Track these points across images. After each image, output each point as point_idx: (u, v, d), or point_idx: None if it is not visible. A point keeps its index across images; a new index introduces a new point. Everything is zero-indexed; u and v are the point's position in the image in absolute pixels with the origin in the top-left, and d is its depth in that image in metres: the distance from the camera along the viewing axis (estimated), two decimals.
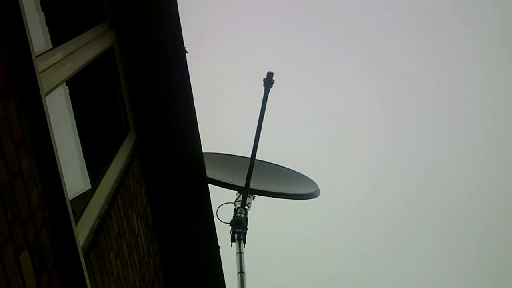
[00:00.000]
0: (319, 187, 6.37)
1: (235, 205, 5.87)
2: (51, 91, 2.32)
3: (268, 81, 5.84)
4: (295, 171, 6.74)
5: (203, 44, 11.47)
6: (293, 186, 6.29)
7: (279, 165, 6.80)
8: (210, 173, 5.55)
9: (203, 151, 4.13)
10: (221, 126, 11.58)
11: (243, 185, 5.85)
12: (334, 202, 11.42)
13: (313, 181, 6.52)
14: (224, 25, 12.27)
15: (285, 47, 12.47)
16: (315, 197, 6.19)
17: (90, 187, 2.92)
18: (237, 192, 5.96)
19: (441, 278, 12.48)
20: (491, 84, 12.61)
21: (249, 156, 5.88)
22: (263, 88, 5.84)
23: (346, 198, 12.45)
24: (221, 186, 5.77)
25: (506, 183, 12.38)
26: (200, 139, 4.05)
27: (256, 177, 5.93)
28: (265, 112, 5.85)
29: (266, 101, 5.85)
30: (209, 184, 4.38)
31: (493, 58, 12.31)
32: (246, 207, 5.88)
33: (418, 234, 12.74)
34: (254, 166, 5.83)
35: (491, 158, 12.85)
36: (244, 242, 5.65)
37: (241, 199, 5.86)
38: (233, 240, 5.63)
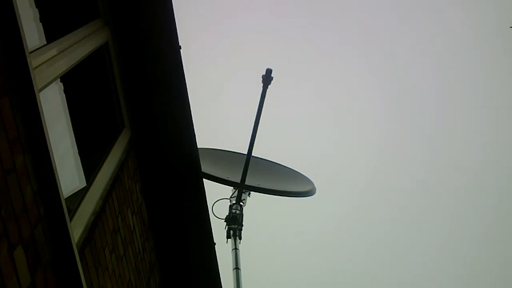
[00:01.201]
0: (315, 185, 6.38)
1: (230, 201, 5.88)
2: (45, 87, 2.32)
3: (267, 78, 5.82)
4: (291, 169, 6.74)
5: (202, 40, 11.46)
6: (289, 184, 6.30)
7: (275, 163, 6.81)
8: (206, 168, 5.55)
9: (200, 147, 4.13)
10: (219, 122, 11.60)
11: (239, 181, 5.85)
12: (331, 199, 11.45)
13: (309, 179, 6.53)
14: (222, 21, 12.26)
15: (284, 43, 12.46)
16: (311, 195, 6.19)
17: (85, 183, 2.92)
18: (232, 188, 5.97)
19: (440, 277, 12.52)
20: (492, 82, 12.64)
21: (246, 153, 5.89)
22: (262, 84, 5.84)
23: (344, 196, 12.48)
24: (217, 182, 5.77)
25: (507, 182, 12.42)
26: (195, 135, 4.05)
27: (252, 174, 5.93)
28: (263, 109, 5.85)
29: (264, 98, 5.85)
30: (205, 180, 4.37)
31: (494, 55, 12.32)
32: (241, 203, 5.89)
33: (417, 234, 12.77)
34: (250, 163, 5.83)
35: (491, 158, 12.89)
36: (240, 239, 5.65)
37: (236, 195, 5.86)
38: (228, 237, 5.63)
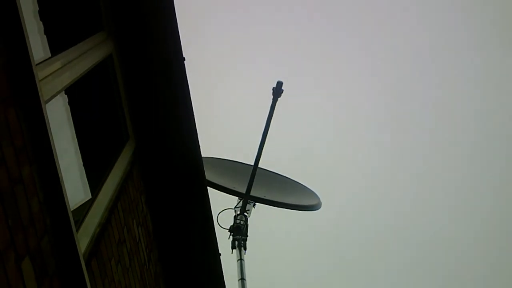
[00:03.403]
0: (321, 198, 6.37)
1: (235, 211, 5.88)
2: (51, 99, 2.33)
3: (277, 91, 5.83)
4: (297, 182, 6.74)
5: (207, 47, 11.49)
6: (294, 197, 6.29)
7: (281, 175, 6.81)
8: (212, 177, 5.57)
9: (209, 156, 4.13)
10: (227, 131, 11.62)
11: (244, 191, 5.86)
12: (336, 210, 11.40)
13: (315, 194, 6.52)
14: (227, 24, 12.26)
15: (292, 49, 12.45)
16: (316, 210, 6.19)
17: (90, 195, 2.93)
18: (238, 198, 5.97)
19: (442, 277, 12.46)
20: (493, 85, 12.64)
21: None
22: (272, 96, 5.84)
23: (349, 206, 12.44)
24: (223, 191, 5.79)
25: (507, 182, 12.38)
26: (199, 146, 4.06)
27: (258, 185, 5.94)
28: (275, 119, 5.86)
29: (274, 110, 5.85)
30: (210, 189, 4.38)
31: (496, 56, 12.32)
32: (246, 214, 5.88)
33: (419, 239, 12.72)
34: (258, 175, 5.84)
35: (491, 157, 12.86)
36: (245, 249, 5.65)
37: (241, 205, 5.87)
38: (233, 247, 5.63)
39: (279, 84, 5.84)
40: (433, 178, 12.95)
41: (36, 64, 2.12)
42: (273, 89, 5.83)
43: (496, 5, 12.00)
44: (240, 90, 12.07)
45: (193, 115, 3.93)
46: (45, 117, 2.01)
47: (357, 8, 12.56)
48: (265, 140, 5.87)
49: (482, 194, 12.62)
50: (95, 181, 3.06)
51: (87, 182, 3.03)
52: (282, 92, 5.83)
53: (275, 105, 5.84)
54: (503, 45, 12.01)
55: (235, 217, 5.80)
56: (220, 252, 4.53)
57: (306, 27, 12.69)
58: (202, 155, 4.16)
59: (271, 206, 6.04)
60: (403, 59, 12.84)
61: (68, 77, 2.60)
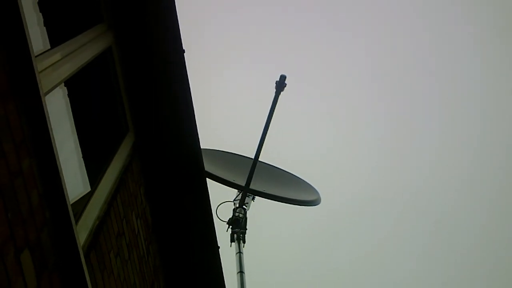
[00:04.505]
0: (320, 194, 6.38)
1: (234, 204, 5.88)
2: (50, 91, 2.32)
3: (280, 84, 5.82)
4: (298, 177, 6.74)
5: (207, 39, 11.44)
6: (294, 192, 6.29)
7: (281, 169, 6.80)
8: (213, 169, 5.57)
9: (210, 148, 4.12)
10: (228, 124, 11.61)
11: (243, 184, 5.85)
12: (335, 205, 11.39)
13: (314, 189, 6.52)
14: (226, 17, 12.19)
15: (297, 45, 12.40)
16: (315, 205, 6.19)
17: (89, 187, 2.93)
18: (237, 191, 5.97)
19: (442, 281, 12.48)
20: (494, 85, 12.62)
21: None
22: (274, 90, 5.84)
23: (349, 202, 12.44)
24: (223, 184, 5.78)
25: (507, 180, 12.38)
26: (199, 138, 4.06)
27: (258, 179, 5.93)
28: (275, 114, 5.85)
29: (276, 104, 5.85)
30: (209, 182, 4.37)
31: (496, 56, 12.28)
32: (245, 207, 5.88)
33: (419, 238, 12.73)
34: (258, 168, 5.83)
35: (492, 158, 12.87)
36: (244, 242, 5.65)
37: (240, 198, 5.87)
38: (232, 240, 5.63)
39: (282, 77, 5.83)
40: (433, 177, 12.95)
41: (36, 56, 2.11)
42: (276, 83, 5.83)
43: (497, 4, 11.96)
44: (241, 84, 12.04)
45: (193, 108, 3.92)
46: (45, 109, 2.00)
47: (357, 8, 12.52)
48: (266, 134, 5.86)
49: (484, 193, 12.63)
50: (94, 174, 3.05)
51: (86, 175, 3.03)
52: (285, 86, 5.82)
53: (277, 98, 5.83)
54: (504, 43, 11.99)
55: (234, 210, 5.80)
56: (219, 245, 4.54)
57: (306, 27, 12.64)
58: (202, 147, 4.16)
59: (270, 200, 6.04)
60: (403, 58, 12.82)
61: (67, 69, 2.59)
